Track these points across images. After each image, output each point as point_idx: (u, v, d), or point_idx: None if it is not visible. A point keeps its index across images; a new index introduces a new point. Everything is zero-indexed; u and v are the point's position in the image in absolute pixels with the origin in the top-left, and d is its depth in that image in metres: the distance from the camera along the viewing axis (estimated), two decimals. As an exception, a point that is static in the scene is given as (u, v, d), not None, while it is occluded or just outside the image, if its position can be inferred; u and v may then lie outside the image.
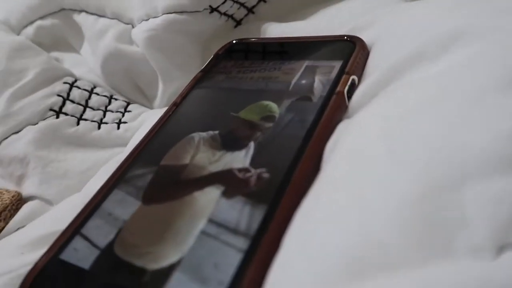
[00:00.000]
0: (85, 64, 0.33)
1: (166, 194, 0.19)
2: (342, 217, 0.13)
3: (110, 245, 0.18)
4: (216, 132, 0.21)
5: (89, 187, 0.26)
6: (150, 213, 0.19)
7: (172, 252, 0.16)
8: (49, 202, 0.27)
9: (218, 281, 0.15)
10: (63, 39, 0.35)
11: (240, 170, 0.19)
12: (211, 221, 0.17)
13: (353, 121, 0.18)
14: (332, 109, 0.19)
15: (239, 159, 0.19)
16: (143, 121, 0.30)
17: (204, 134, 0.22)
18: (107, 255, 0.17)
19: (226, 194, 0.18)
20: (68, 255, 0.18)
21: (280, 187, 0.17)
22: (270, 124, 0.20)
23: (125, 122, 0.30)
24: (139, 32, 0.30)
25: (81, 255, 0.18)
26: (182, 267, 0.15)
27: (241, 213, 0.17)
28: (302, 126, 0.19)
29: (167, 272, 0.15)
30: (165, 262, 0.16)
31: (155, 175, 0.20)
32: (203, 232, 0.16)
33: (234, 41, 0.27)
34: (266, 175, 0.18)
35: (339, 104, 0.19)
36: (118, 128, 0.30)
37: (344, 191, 0.14)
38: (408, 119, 0.15)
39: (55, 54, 0.34)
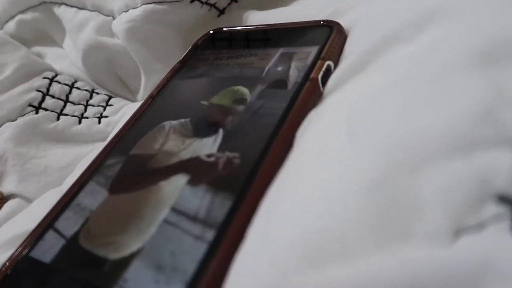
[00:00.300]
0: (67, 58, 0.32)
1: (132, 183, 0.19)
2: (302, 207, 0.13)
3: (76, 237, 0.18)
4: (188, 119, 0.21)
5: (68, 183, 0.25)
6: (115, 203, 0.18)
7: (134, 241, 0.16)
8: (29, 200, 0.26)
9: (177, 270, 0.14)
10: (45, 33, 0.34)
11: (207, 156, 0.18)
12: (174, 209, 0.16)
13: (322, 106, 0.17)
14: (305, 95, 0.18)
15: (208, 146, 0.19)
16: (124, 114, 0.29)
17: (175, 122, 0.21)
18: (72, 247, 0.17)
19: (192, 182, 0.17)
20: (38, 252, 0.18)
21: (248, 176, 0.16)
22: (242, 107, 0.20)
23: (106, 116, 0.29)
24: (119, 23, 0.29)
25: (50, 250, 0.18)
26: (142, 255, 0.15)
27: (206, 202, 0.16)
28: (274, 113, 0.18)
29: (127, 261, 0.15)
30: (126, 251, 0.16)
31: (124, 164, 0.20)
32: (166, 221, 0.16)
33: (211, 31, 0.27)
34: (234, 161, 0.17)
35: (313, 91, 0.19)
36: (99, 122, 0.29)
37: (306, 180, 0.14)
38: (372, 103, 0.14)
39: (37, 48, 0.34)
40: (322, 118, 0.16)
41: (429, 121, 0.12)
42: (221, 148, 0.18)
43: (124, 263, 0.15)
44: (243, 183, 0.16)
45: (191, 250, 0.15)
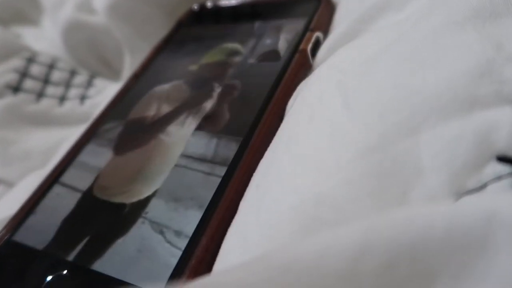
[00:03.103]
0: (46, 38, 0.31)
1: (136, 142, 0.19)
2: (294, 177, 0.12)
3: (90, 189, 0.18)
4: (181, 81, 0.21)
5: (51, 166, 0.25)
6: (124, 160, 0.19)
7: (149, 188, 0.17)
8: (12, 185, 0.25)
9: (194, 198, 0.15)
10: (22, 12, 0.33)
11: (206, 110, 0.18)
12: (184, 155, 0.17)
13: (312, 75, 0.17)
14: (295, 67, 0.18)
15: (205, 101, 0.19)
16: (108, 95, 0.28)
17: (167, 85, 0.21)
18: (88, 199, 0.18)
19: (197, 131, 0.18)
20: (20, 235, 0.18)
21: (237, 152, 0.16)
22: (239, 59, 0.20)
23: (89, 97, 0.28)
24: (101, 0, 0.28)
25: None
26: (159, 194, 0.16)
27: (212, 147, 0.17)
28: (263, 86, 0.18)
29: (145, 202, 0.16)
30: (142, 196, 0.16)
31: (124, 128, 0.20)
32: (177, 165, 0.17)
33: (195, 6, 0.26)
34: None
35: (302, 62, 0.18)
36: (82, 104, 0.28)
37: (298, 149, 0.13)
38: (365, 69, 0.13)
39: (15, 28, 0.33)
40: (312, 86, 0.15)
41: (426, 81, 0.11)
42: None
43: (143, 203, 0.16)
44: (230, 162, 0.16)
45: (205, 183, 0.15)
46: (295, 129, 0.14)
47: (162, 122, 0.19)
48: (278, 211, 0.12)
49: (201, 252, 0.13)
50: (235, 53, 0.21)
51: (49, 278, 0.15)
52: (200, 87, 0.20)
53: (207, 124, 0.18)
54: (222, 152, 0.16)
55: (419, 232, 0.08)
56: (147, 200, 0.16)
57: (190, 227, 0.14)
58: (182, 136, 0.18)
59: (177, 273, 0.13)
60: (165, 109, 0.20)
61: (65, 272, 0.15)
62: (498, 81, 0.10)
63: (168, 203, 0.16)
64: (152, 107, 0.20)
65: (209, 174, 0.16)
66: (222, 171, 0.15)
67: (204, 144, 0.17)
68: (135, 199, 0.16)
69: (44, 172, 0.24)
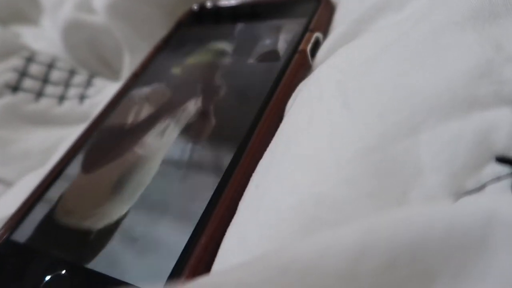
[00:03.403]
0: (45, 37, 0.31)
1: (106, 157, 0.19)
2: (293, 177, 0.12)
3: (52, 214, 0.17)
4: (162, 83, 0.20)
5: (49, 166, 0.25)
6: (90, 179, 0.18)
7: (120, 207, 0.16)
8: (10, 184, 0.25)
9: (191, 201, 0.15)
10: (22, 12, 0.33)
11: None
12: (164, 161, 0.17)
13: (312, 75, 0.17)
14: (294, 68, 0.18)
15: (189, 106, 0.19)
16: (108, 95, 0.28)
17: (146, 89, 0.21)
18: (51, 225, 0.17)
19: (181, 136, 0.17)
20: (19, 234, 0.18)
21: (236, 154, 0.16)
22: (228, 60, 0.20)
23: (88, 97, 0.28)
24: (100, 0, 0.28)
25: (30, 231, 0.17)
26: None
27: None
28: (262, 86, 0.18)
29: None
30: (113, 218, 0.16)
31: (95, 140, 0.20)
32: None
33: (195, 6, 0.26)
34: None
35: (302, 63, 0.18)
36: (81, 103, 0.28)
37: (297, 149, 0.13)
38: (365, 69, 0.13)
39: (14, 28, 0.33)
40: (312, 86, 0.15)
41: (426, 81, 0.11)
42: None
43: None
44: (229, 162, 0.15)
45: (203, 185, 0.15)
46: (295, 129, 0.14)
47: (140, 129, 0.19)
48: (278, 211, 0.12)
49: (200, 252, 0.13)
50: (222, 53, 0.20)
51: (47, 277, 0.15)
52: (185, 93, 0.20)
53: (192, 129, 0.18)
54: (219, 153, 0.16)
55: (419, 232, 0.08)
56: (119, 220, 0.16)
57: (189, 227, 0.14)
58: (164, 143, 0.18)
59: (176, 273, 0.13)
60: (144, 115, 0.19)
61: (63, 272, 0.15)
62: (498, 82, 0.10)
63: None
64: (129, 113, 0.20)
65: (206, 175, 0.15)
66: (220, 172, 0.15)
67: (188, 149, 0.17)
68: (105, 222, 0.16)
69: (43, 172, 0.24)
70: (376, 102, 0.12)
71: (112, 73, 0.31)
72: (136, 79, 0.23)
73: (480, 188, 0.09)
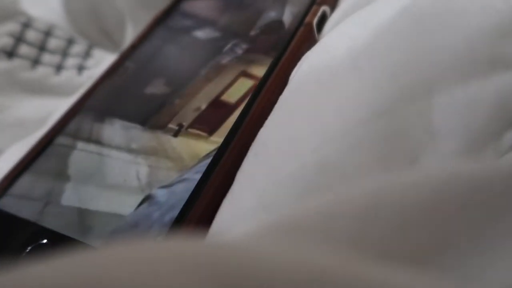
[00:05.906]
0: (45, 3, 0.30)
1: None
2: (294, 143, 0.12)
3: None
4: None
5: (37, 136, 0.24)
6: None
7: None
8: (2, 152, 0.25)
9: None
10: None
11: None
12: None
13: (320, 42, 0.16)
14: (299, 41, 0.17)
15: None
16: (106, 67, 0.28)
17: None
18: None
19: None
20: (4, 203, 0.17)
21: (238, 120, 0.15)
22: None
23: (86, 68, 0.28)
24: (103, -33, 0.27)
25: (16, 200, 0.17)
26: None
27: None
28: (266, 56, 0.17)
29: None
30: None
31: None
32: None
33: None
34: None
35: (307, 36, 0.17)
36: (80, 74, 0.27)
37: (300, 115, 0.12)
38: (378, 32, 0.12)
39: (12, -7, 0.32)
40: (321, 54, 0.14)
41: (444, 40, 0.10)
42: None
43: None
44: (229, 130, 0.15)
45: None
46: (300, 94, 0.13)
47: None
48: (276, 178, 0.11)
49: (194, 222, 0.13)
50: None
51: (30, 247, 0.15)
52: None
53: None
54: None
55: (438, 188, 0.07)
56: None
57: (182, 198, 0.13)
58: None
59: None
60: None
61: (46, 241, 0.14)
62: None
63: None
64: None
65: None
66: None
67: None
68: None
69: (32, 140, 0.24)
70: (388, 64, 0.11)
71: (112, 45, 0.30)
72: (133, 51, 0.22)
73: (498, 156, 0.09)
